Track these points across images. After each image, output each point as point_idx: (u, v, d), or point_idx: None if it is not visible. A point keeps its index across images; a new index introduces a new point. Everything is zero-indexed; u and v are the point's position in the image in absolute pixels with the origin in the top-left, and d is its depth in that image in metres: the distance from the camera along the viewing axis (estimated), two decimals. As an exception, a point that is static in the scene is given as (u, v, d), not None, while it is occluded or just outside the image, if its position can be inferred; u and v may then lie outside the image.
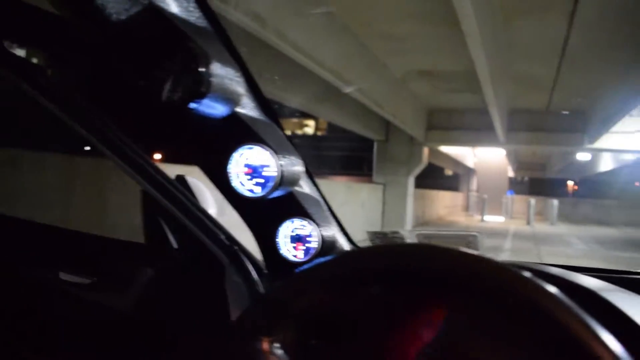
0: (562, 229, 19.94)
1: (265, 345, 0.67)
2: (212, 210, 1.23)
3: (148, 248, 1.21)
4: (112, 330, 1.10)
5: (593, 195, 31.02)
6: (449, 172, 32.84)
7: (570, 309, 0.48)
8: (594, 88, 12.00)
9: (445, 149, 20.71)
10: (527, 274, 0.51)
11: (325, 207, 1.21)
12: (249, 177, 0.95)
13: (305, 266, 0.68)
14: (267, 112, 1.02)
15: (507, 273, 0.52)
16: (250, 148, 0.92)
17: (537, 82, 12.13)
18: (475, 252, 0.57)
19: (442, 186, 27.85)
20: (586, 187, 34.13)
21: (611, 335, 0.46)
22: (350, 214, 11.94)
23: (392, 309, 0.94)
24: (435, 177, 26.84)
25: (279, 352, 0.68)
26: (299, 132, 26.74)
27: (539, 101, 14.30)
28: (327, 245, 1.13)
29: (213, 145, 0.97)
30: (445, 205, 25.82)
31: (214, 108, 0.84)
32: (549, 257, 11.30)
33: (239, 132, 0.92)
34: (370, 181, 16.55)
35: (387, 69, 11.43)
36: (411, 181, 16.45)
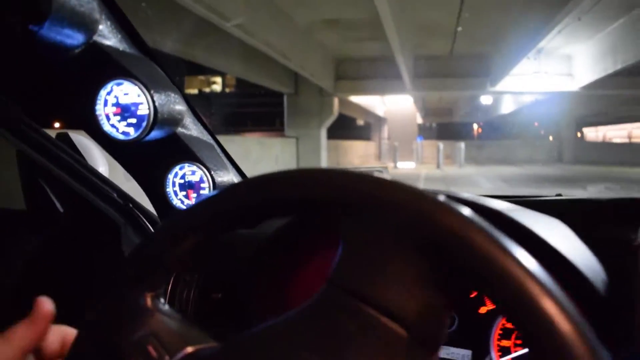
0: (469, 170, 20.82)
1: (148, 301, 0.57)
2: (102, 169, 1.16)
3: (30, 215, 1.12)
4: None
5: (497, 136, 32.59)
6: (360, 122, 33.26)
7: (481, 228, 0.43)
8: (494, 33, 12.39)
9: (355, 99, 20.90)
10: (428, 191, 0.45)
11: (218, 150, 1.11)
12: (119, 117, 0.83)
13: (186, 207, 0.60)
14: (139, 46, 0.91)
15: (409, 191, 0.46)
16: (119, 84, 0.81)
17: (440, 29, 12.36)
18: (365, 172, 0.50)
19: (354, 136, 28.20)
20: (490, 128, 35.69)
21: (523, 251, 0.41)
22: (264, 169, 11.79)
23: (289, 243, 0.88)
24: (347, 128, 27.10)
25: (165, 307, 0.58)
26: (206, 90, 25.87)
27: (442, 47, 14.63)
28: (221, 191, 1.04)
29: (77, 84, 0.85)
30: (358, 154, 26.24)
31: (65, 35, 0.72)
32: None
33: (102, 65, 0.81)
34: (283, 136, 16.44)
35: (292, 20, 11.23)
36: (324, 133, 16.51)
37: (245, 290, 0.97)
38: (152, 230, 1.10)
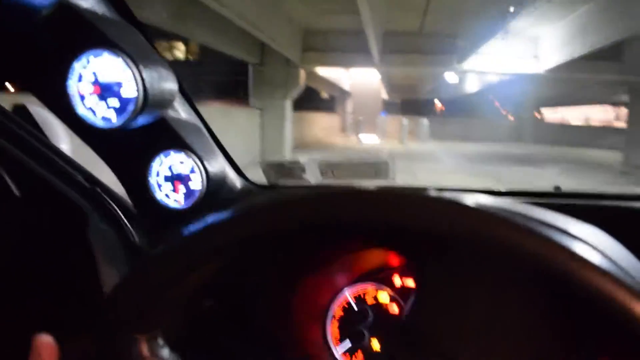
0: (432, 146, 21.02)
1: (143, 348, 0.44)
2: (65, 146, 1.03)
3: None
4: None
5: (459, 113, 32.96)
6: (324, 94, 33.01)
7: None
8: (464, 11, 12.33)
9: (321, 71, 20.68)
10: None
11: (207, 135, 0.96)
12: (97, 98, 0.67)
13: (192, 229, 0.46)
14: (120, 10, 0.74)
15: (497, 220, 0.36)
16: (98, 54, 0.64)
17: (410, 4, 12.23)
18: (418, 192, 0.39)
19: (318, 108, 27.97)
20: (453, 106, 36.01)
21: None
22: (228, 141, 11.59)
23: (298, 250, 0.75)
24: (311, 100, 26.86)
25: (164, 352, 0.46)
26: (168, 56, 24.99)
27: (412, 24, 14.53)
28: (215, 184, 0.89)
29: (44, 55, 0.68)
30: (322, 127, 26.09)
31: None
32: (424, 173, 11.93)
33: (76, 31, 0.63)
34: (247, 106, 16.16)
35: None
36: (289, 104, 16.30)
37: (245, 297, 0.84)
38: (127, 220, 0.95)
